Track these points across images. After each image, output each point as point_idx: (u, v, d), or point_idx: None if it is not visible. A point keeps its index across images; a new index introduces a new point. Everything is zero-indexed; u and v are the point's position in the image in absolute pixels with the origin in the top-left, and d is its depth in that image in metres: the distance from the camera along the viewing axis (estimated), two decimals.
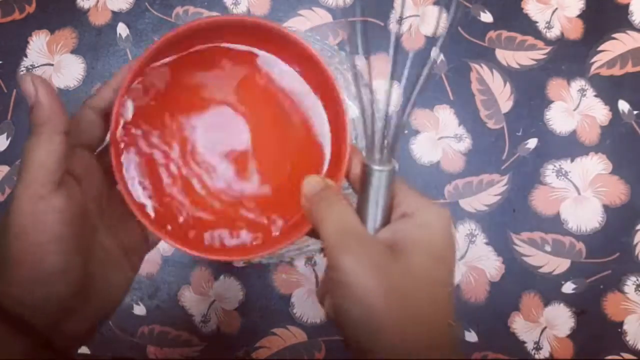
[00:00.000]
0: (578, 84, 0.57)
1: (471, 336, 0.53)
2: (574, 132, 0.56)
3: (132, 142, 0.32)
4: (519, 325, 0.53)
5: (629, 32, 0.58)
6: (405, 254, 0.25)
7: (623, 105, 0.56)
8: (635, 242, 0.54)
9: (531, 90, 0.57)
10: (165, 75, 0.32)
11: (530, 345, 0.53)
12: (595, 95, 0.57)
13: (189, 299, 0.54)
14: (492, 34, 0.58)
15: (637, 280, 0.53)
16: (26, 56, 0.58)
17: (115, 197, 0.30)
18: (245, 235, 0.33)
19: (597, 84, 0.57)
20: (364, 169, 0.29)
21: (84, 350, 0.53)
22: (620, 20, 0.58)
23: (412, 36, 0.58)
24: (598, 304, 0.53)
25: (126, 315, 0.53)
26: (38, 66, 0.57)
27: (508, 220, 0.54)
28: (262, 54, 0.34)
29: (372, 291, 0.24)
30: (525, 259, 0.54)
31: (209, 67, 0.33)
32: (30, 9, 0.59)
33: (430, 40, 0.58)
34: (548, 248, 0.54)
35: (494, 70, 0.57)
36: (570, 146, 0.56)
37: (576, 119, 0.56)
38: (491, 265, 0.54)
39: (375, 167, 0.28)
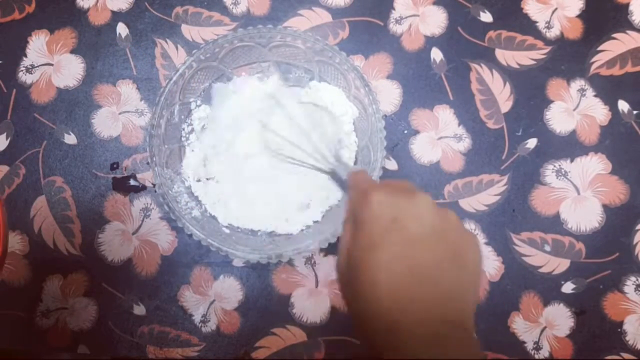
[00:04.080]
0: (578, 83, 0.57)
1: None
2: (573, 132, 0.56)
3: None
4: (519, 325, 0.53)
5: (628, 32, 0.58)
6: None
7: (623, 105, 0.56)
8: (634, 242, 0.54)
9: (531, 90, 0.57)
10: None
11: (530, 345, 0.53)
12: (595, 95, 0.57)
13: (189, 299, 0.54)
14: (491, 34, 0.58)
15: (637, 280, 0.53)
16: (26, 56, 0.58)
17: None
18: None
19: (597, 84, 0.57)
20: None
21: (83, 350, 0.53)
22: (620, 20, 0.59)
23: (412, 36, 0.58)
24: (598, 304, 0.53)
25: (126, 315, 0.53)
26: (38, 66, 0.57)
27: (508, 220, 0.54)
28: None
29: None
30: (524, 258, 0.54)
31: None
32: (30, 9, 0.59)
33: (430, 40, 0.58)
34: (548, 248, 0.54)
35: (494, 70, 0.57)
36: (569, 146, 0.56)
37: (576, 119, 0.56)
38: (491, 265, 0.54)
39: None
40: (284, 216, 0.51)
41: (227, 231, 0.50)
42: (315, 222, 0.51)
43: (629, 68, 0.57)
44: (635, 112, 0.56)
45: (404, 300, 0.27)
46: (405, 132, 0.56)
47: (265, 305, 0.53)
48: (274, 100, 0.49)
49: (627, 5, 0.59)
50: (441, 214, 0.30)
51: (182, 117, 0.52)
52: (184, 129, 0.52)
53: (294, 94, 0.52)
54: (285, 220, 0.51)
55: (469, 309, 0.29)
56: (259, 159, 0.51)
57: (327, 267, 0.54)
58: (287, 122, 0.46)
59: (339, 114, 0.51)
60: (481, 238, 0.54)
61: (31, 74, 0.57)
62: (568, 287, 0.53)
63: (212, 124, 0.53)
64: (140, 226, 0.54)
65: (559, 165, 0.55)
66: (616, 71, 0.57)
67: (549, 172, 0.55)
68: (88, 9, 0.59)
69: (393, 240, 0.28)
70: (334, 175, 0.39)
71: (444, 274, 0.28)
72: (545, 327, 0.53)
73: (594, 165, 0.55)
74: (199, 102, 0.52)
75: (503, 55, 0.57)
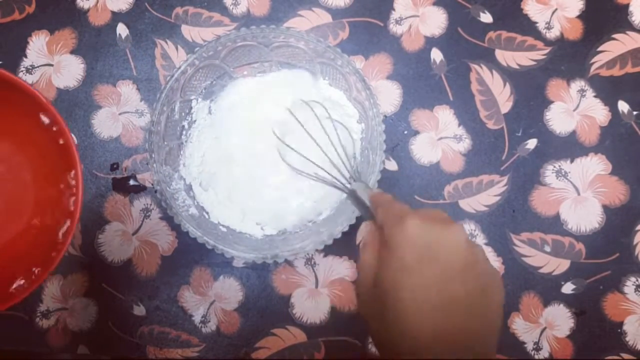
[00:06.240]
0: (578, 84, 0.57)
1: None
2: (573, 133, 0.56)
3: None
4: (519, 326, 0.53)
5: (628, 32, 0.58)
6: None
7: (622, 106, 0.57)
8: (634, 242, 0.54)
9: (531, 90, 0.57)
10: None
11: (530, 346, 0.53)
12: (595, 96, 0.57)
13: (189, 299, 0.54)
14: (491, 34, 0.58)
15: (637, 280, 0.53)
16: (26, 56, 0.58)
17: None
18: None
19: (597, 85, 0.57)
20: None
21: (83, 350, 0.53)
22: (620, 21, 0.59)
23: (412, 36, 0.58)
24: (598, 304, 0.53)
25: (126, 316, 0.53)
26: (38, 66, 0.58)
27: (508, 221, 0.54)
28: None
29: None
30: (525, 259, 0.54)
31: None
32: (30, 9, 0.59)
33: (430, 41, 0.58)
34: (548, 248, 0.54)
35: (494, 71, 0.57)
36: (569, 147, 0.56)
37: (576, 120, 0.56)
38: None
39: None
40: (281, 217, 0.51)
41: (224, 229, 0.50)
42: (312, 223, 0.51)
43: (629, 69, 0.57)
44: (635, 112, 0.56)
45: (432, 329, 0.28)
46: (405, 132, 0.56)
47: (265, 306, 0.53)
48: (291, 115, 0.47)
49: (627, 5, 0.59)
50: (473, 248, 0.31)
51: (183, 114, 0.52)
52: (184, 126, 0.52)
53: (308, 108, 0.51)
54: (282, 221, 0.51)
55: (493, 344, 0.30)
56: (262, 167, 0.51)
57: (327, 267, 0.54)
58: (305, 138, 0.46)
59: (350, 125, 0.50)
60: (481, 238, 0.54)
61: (31, 74, 0.57)
62: (568, 288, 0.53)
63: (213, 127, 0.53)
64: (140, 226, 0.54)
65: (559, 166, 0.55)
66: (616, 72, 0.57)
67: (549, 172, 0.55)
68: (88, 10, 0.59)
69: (427, 268, 0.29)
70: (353, 193, 0.39)
71: (473, 308, 0.29)
72: (545, 328, 0.53)
73: (594, 165, 0.55)
74: (199, 100, 0.52)
75: (503, 56, 0.58)
